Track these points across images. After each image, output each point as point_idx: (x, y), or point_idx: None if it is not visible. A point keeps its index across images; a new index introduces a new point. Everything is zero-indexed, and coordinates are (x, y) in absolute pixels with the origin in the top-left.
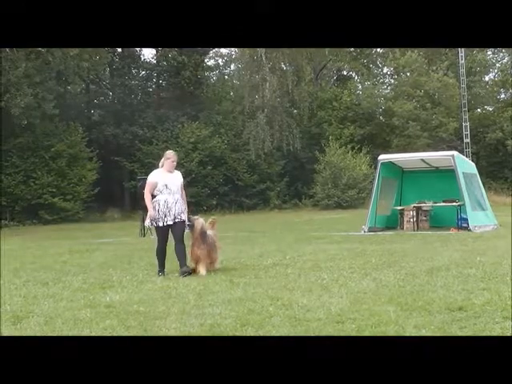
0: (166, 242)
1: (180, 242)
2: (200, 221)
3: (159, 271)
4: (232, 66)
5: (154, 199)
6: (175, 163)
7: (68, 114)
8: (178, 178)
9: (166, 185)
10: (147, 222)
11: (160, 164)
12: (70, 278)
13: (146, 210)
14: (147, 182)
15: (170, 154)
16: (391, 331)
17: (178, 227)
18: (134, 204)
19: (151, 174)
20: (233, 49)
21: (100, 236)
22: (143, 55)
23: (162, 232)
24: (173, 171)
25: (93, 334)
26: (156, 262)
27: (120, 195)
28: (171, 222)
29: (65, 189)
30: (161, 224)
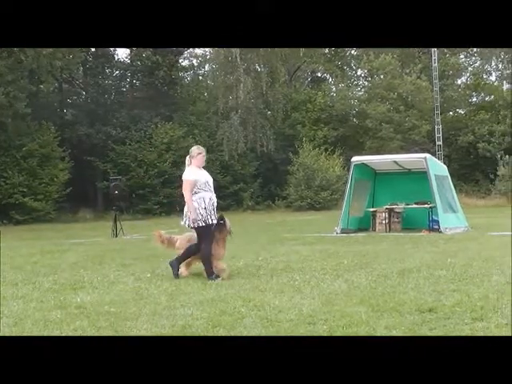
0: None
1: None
2: (228, 220)
3: (216, 277)
4: (206, 67)
5: (197, 196)
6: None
7: (40, 113)
8: (209, 175)
9: (207, 181)
10: (187, 223)
11: (187, 162)
12: (41, 278)
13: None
14: (188, 180)
15: (200, 148)
16: (362, 332)
17: (223, 225)
18: (107, 204)
19: (188, 171)
20: (207, 49)
21: (72, 236)
22: (117, 55)
23: (210, 231)
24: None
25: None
26: (203, 267)
27: (92, 195)
28: (215, 221)
29: (36, 188)
30: (210, 222)
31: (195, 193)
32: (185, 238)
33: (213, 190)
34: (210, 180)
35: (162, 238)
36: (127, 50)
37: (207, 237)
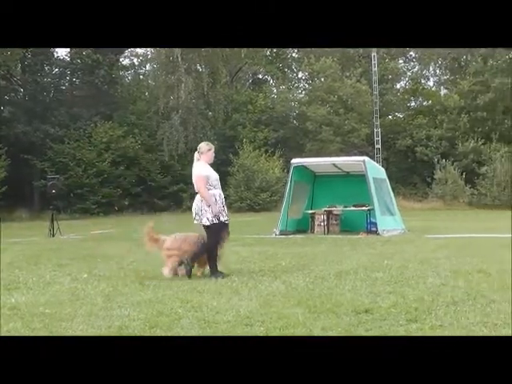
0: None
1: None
2: None
3: (222, 275)
4: (147, 66)
5: (210, 194)
6: None
7: None
8: None
9: (217, 178)
10: (209, 220)
11: (196, 157)
12: None
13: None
14: (202, 176)
15: (210, 145)
16: (299, 333)
17: (227, 226)
18: (44, 204)
19: (200, 167)
20: (148, 48)
21: (7, 236)
22: (56, 52)
23: (220, 229)
24: None
25: None
26: (209, 265)
27: (29, 194)
28: (227, 219)
29: None
30: (223, 219)
31: (207, 190)
32: (179, 238)
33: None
34: (218, 177)
35: (151, 234)
36: (67, 48)
37: (218, 234)
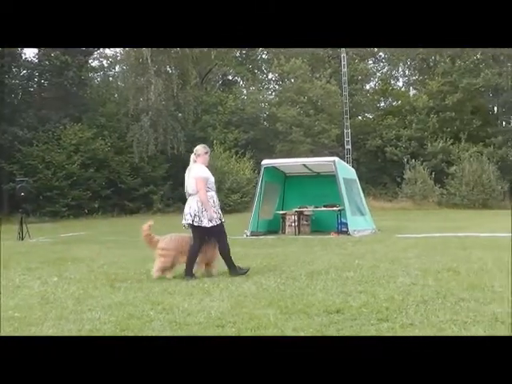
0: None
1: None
2: None
3: (245, 270)
4: (117, 68)
5: (209, 196)
6: None
7: None
8: None
9: (213, 181)
10: (212, 221)
11: (192, 159)
12: None
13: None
14: (202, 177)
15: (206, 148)
16: (270, 334)
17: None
18: (12, 207)
19: (200, 169)
20: (118, 50)
21: None
22: (24, 54)
23: (224, 228)
24: None
25: None
26: (228, 264)
27: None
28: (223, 220)
29: None
30: (223, 220)
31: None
32: (175, 239)
33: None
34: (214, 179)
35: (147, 232)
36: (35, 50)
37: (224, 233)
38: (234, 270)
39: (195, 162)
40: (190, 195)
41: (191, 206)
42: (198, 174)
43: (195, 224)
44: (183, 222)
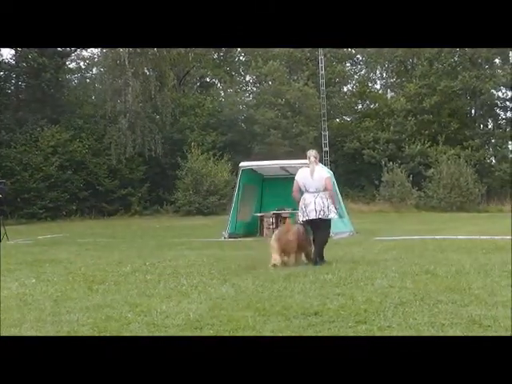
0: None
1: None
2: None
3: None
4: (94, 70)
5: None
6: None
7: None
8: None
9: None
10: (335, 214)
11: (313, 162)
12: None
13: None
14: (329, 177)
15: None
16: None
17: None
18: None
19: (324, 170)
20: (95, 52)
21: None
22: (1, 55)
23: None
24: None
25: None
26: (319, 253)
27: None
28: None
29: None
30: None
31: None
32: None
33: None
34: None
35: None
36: (12, 51)
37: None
38: (322, 259)
39: (317, 164)
40: (310, 193)
41: (320, 202)
42: (326, 174)
43: (322, 217)
44: (303, 218)
